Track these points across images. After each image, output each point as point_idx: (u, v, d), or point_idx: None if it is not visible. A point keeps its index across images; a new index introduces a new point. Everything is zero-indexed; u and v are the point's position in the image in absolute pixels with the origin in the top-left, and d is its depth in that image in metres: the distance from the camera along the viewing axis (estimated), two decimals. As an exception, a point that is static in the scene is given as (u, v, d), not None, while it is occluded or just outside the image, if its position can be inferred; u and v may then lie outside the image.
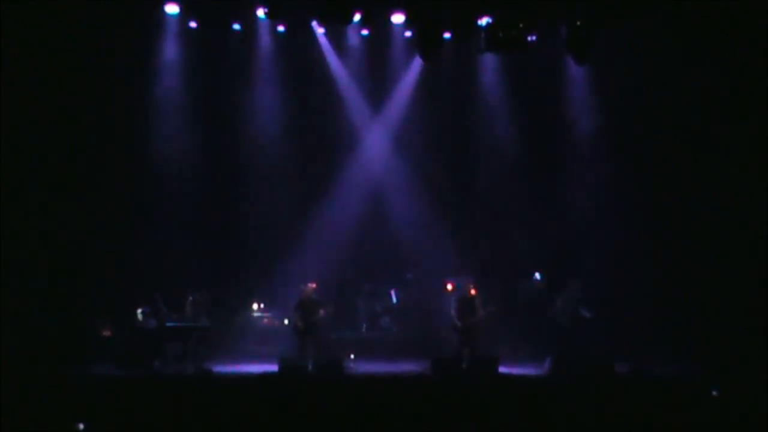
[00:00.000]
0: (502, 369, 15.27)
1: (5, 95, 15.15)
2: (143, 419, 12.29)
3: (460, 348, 15.93)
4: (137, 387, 13.91)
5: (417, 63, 18.94)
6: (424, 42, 17.02)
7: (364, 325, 19.09)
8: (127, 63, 17.64)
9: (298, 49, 19.05)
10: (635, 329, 16.84)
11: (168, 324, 15.95)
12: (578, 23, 16.65)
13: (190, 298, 16.21)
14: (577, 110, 19.07)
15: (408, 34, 18.59)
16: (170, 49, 18.42)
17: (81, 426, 11.35)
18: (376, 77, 19.49)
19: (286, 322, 17.85)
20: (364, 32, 18.80)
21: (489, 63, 19.21)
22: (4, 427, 11.03)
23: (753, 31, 15.65)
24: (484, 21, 16.62)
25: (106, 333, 16.02)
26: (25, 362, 13.93)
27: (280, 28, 18.59)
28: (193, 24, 18.24)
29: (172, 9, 17.70)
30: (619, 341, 16.47)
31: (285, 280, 17.99)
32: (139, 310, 16.15)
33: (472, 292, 16.40)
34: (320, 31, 18.86)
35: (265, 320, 18.66)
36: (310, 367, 15.22)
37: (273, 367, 15.11)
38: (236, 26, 18.56)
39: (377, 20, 17.78)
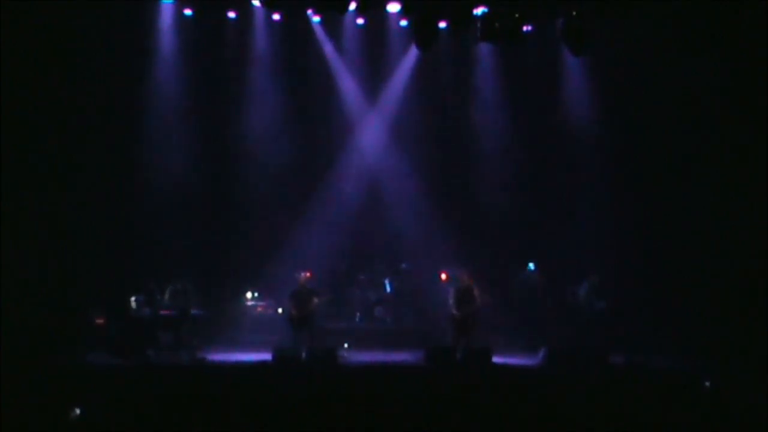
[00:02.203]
0: (496, 359, 15.28)
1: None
2: (137, 408, 12.29)
3: (456, 337, 15.94)
4: (131, 375, 13.92)
5: (413, 52, 18.91)
6: (420, 31, 16.96)
7: (358, 315, 19.11)
8: (121, 51, 17.52)
9: (293, 38, 19.00)
10: (630, 321, 16.83)
11: (162, 312, 15.95)
12: (574, 14, 16.58)
13: (170, 287, 16.21)
14: (574, 102, 19.05)
15: (404, 23, 18.54)
16: (165, 38, 18.35)
17: (77, 411, 11.35)
18: (372, 66, 19.46)
19: (280, 311, 17.88)
20: (360, 21, 18.76)
21: (485, 53, 19.17)
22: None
23: (752, 24, 15.60)
24: (480, 11, 16.56)
25: (100, 321, 15.97)
26: (18, 351, 13.88)
27: (276, 17, 18.52)
28: (188, 12, 18.15)
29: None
30: (613, 333, 16.48)
31: (279, 269, 18.00)
32: (133, 299, 16.12)
33: (470, 282, 16.41)
34: (316, 19, 18.80)
35: (259, 309, 18.67)
36: (303, 356, 15.22)
37: (267, 356, 15.10)
38: (231, 15, 18.48)
39: (373, 9, 17.71)
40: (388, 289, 19.31)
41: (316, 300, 16.27)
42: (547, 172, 19.40)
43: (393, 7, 17.74)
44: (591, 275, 17.15)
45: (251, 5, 17.97)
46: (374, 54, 19.35)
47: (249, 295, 18.79)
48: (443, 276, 18.54)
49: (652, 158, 18.09)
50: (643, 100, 18.04)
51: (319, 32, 19.10)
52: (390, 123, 19.69)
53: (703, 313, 16.30)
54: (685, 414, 12.24)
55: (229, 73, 19.10)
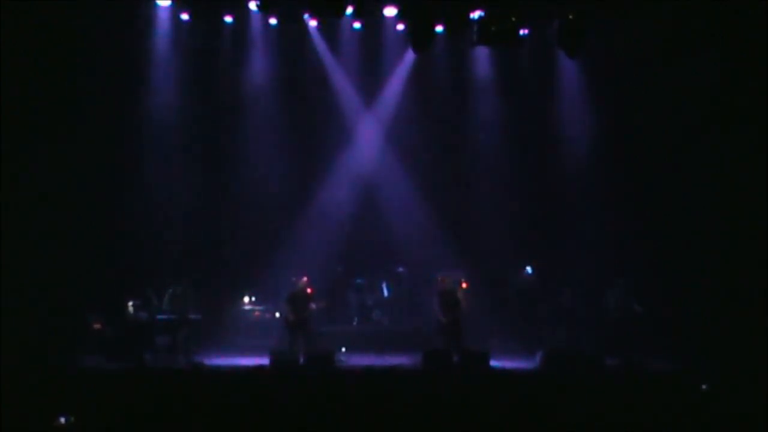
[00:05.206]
0: (493, 363, 15.28)
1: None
2: (134, 412, 12.27)
3: (448, 342, 15.94)
4: (128, 380, 13.90)
5: (409, 56, 18.92)
6: (417, 35, 16.98)
7: (356, 319, 19.11)
8: (118, 54, 17.51)
9: (290, 42, 19.00)
10: (628, 324, 16.81)
11: (159, 317, 15.94)
12: (570, 16, 16.61)
13: (170, 291, 16.20)
14: (570, 104, 19.07)
15: (400, 27, 18.55)
16: (161, 42, 18.34)
17: (62, 420, 11.32)
18: (369, 70, 19.47)
19: (277, 315, 17.87)
20: (357, 25, 18.77)
21: (481, 56, 19.19)
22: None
23: (748, 23, 15.59)
24: (476, 14, 16.59)
25: (97, 326, 15.97)
26: (15, 355, 13.87)
27: (272, 21, 18.53)
28: (184, 16, 18.16)
29: (163, 1, 17.66)
30: (610, 335, 16.49)
31: (276, 274, 18.01)
32: (130, 303, 16.12)
33: (463, 285, 16.41)
34: (312, 23, 18.81)
35: (256, 313, 18.66)
36: (301, 360, 15.22)
37: (264, 361, 15.09)
38: (228, 19, 18.49)
39: (370, 13, 17.73)
40: (386, 292, 19.31)
41: (313, 304, 16.26)
42: (544, 175, 19.40)
43: (390, 11, 17.76)
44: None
45: (248, 10, 17.96)
46: (371, 58, 19.35)
47: (246, 299, 18.78)
48: (440, 279, 18.49)
49: (649, 161, 18.08)
50: (640, 101, 18.03)
51: (316, 36, 19.10)
52: (386, 126, 19.70)
53: (700, 316, 16.30)
54: (683, 417, 12.24)
55: (225, 77, 19.09)
